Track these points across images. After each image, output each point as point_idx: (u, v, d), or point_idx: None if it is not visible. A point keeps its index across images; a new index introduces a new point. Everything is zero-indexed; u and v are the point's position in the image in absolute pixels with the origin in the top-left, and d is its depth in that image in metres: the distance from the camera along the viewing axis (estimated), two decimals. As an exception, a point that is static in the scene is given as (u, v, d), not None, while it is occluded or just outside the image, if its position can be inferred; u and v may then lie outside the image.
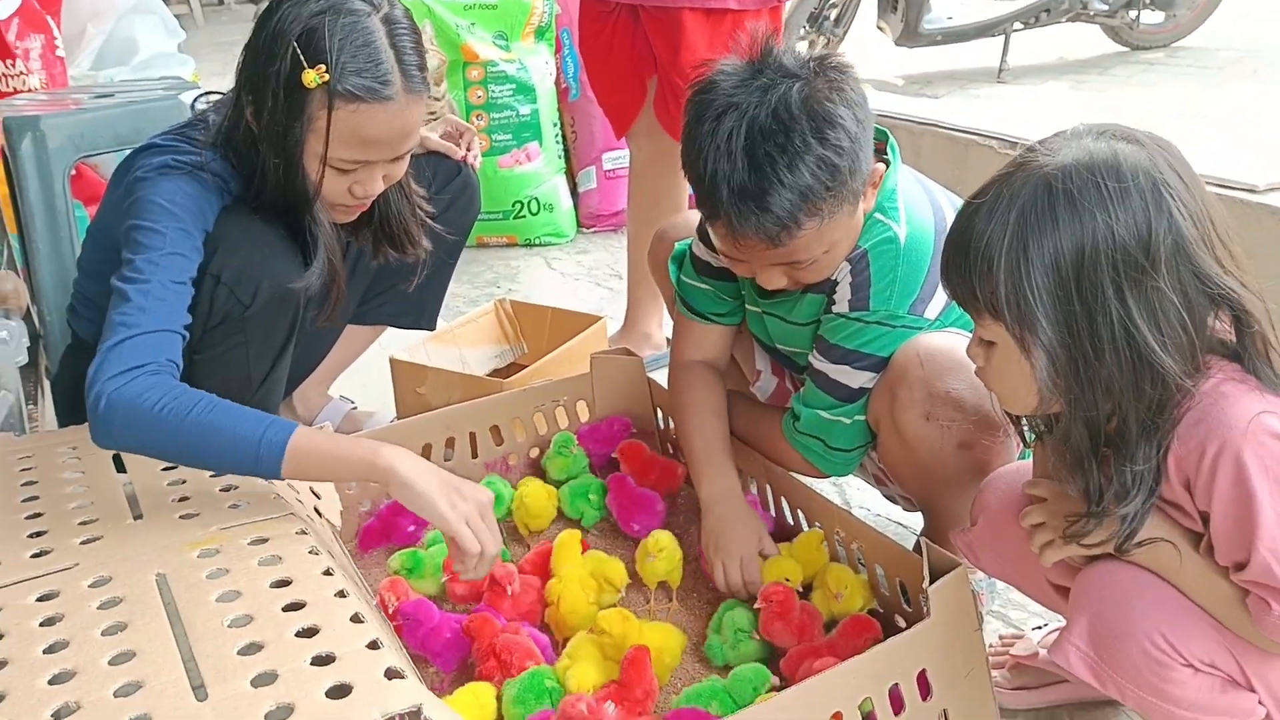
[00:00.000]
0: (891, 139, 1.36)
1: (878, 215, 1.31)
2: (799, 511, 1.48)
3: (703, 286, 1.52)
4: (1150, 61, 4.75)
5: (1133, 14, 4.70)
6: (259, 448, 1.15)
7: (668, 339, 2.19)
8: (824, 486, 1.71)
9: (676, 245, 1.58)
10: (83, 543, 1.11)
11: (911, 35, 4.61)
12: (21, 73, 2.95)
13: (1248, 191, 2.15)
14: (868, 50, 4.95)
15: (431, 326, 1.95)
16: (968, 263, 0.97)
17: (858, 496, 1.77)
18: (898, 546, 1.30)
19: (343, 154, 1.35)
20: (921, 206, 1.33)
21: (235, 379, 1.49)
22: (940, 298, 1.31)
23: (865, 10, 4.65)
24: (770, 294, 1.42)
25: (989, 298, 0.96)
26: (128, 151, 1.53)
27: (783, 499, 1.51)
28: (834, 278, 1.34)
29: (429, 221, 1.67)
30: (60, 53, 3.03)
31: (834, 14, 4.56)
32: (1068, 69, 4.82)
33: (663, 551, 1.44)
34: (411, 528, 1.56)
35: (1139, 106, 3.91)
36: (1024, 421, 1.12)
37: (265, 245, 1.44)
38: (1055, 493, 1.07)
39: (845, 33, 4.63)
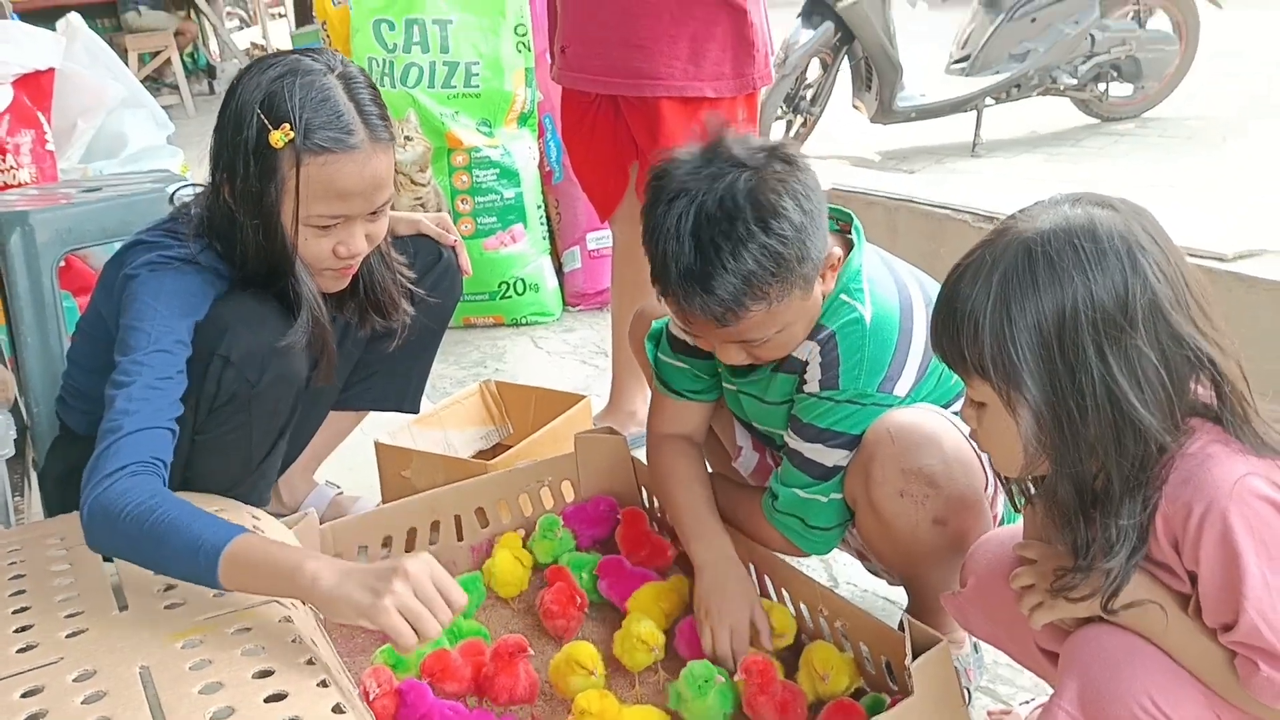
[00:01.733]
0: (856, 220, 1.40)
1: (843, 296, 1.34)
2: (783, 590, 1.49)
3: (679, 364, 1.55)
4: (1121, 133, 4.86)
5: (1101, 87, 4.83)
6: (197, 558, 1.14)
7: None
8: (811, 561, 1.72)
9: (654, 324, 1.61)
10: (68, 636, 1.12)
11: (886, 113, 4.71)
12: (12, 167, 3.01)
13: (1217, 260, 2.19)
14: (844, 128, 5.06)
15: (415, 409, 1.97)
16: (955, 324, 1.01)
17: (844, 572, 1.78)
18: (881, 624, 1.30)
19: (320, 209, 1.39)
20: (886, 286, 1.36)
21: (237, 458, 1.51)
22: (910, 375, 1.33)
23: (840, 90, 4.77)
24: (743, 373, 1.45)
25: (976, 359, 1.00)
26: (117, 245, 1.56)
27: (766, 577, 1.52)
28: (803, 358, 1.37)
29: (413, 293, 1.70)
30: (50, 147, 3.09)
31: (809, 94, 4.67)
32: (1041, 142, 4.93)
33: (643, 643, 1.44)
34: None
35: (1111, 177, 4.00)
36: (1014, 484, 1.14)
37: (270, 325, 1.46)
38: (1045, 554, 1.08)
39: (821, 112, 4.73)
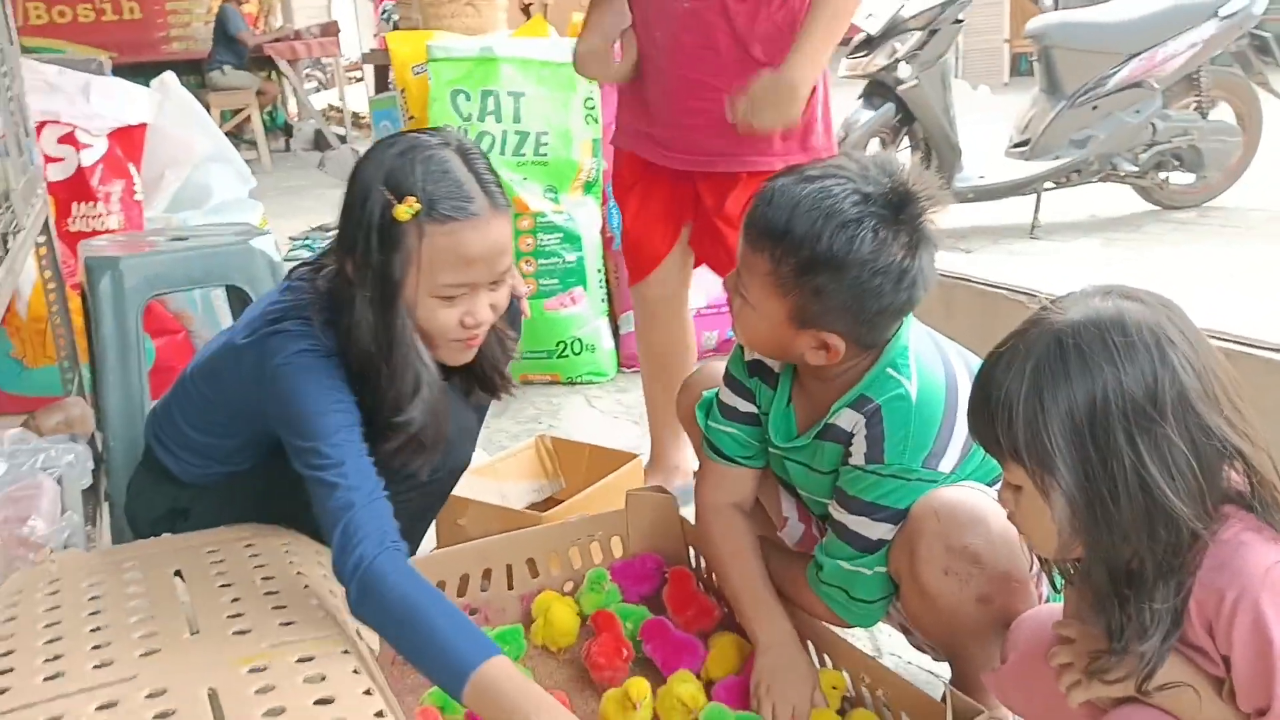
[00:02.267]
0: None
1: (889, 370, 1.37)
2: (825, 656, 1.51)
3: (729, 431, 1.58)
4: (1181, 221, 4.85)
5: (1162, 175, 4.83)
6: (449, 669, 1.23)
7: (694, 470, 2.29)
8: (856, 631, 1.73)
9: (704, 394, 1.66)
10: (142, 655, 1.17)
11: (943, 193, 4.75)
12: (101, 214, 3.16)
13: (1275, 351, 2.20)
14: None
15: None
16: (990, 410, 1.05)
17: (889, 643, 1.79)
18: (922, 694, 1.32)
19: (447, 278, 1.42)
20: (933, 363, 1.39)
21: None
22: (954, 451, 1.36)
23: (900, 168, 4.82)
24: (790, 439, 1.50)
25: (1011, 444, 1.03)
26: (197, 291, 1.63)
27: (809, 643, 1.54)
28: (849, 429, 1.40)
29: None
30: (139, 196, 3.24)
31: (870, 171, 4.73)
32: (1099, 226, 4.93)
33: (683, 705, 1.47)
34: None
35: (1170, 265, 3.99)
36: (1054, 565, 1.16)
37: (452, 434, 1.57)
38: (1083, 634, 1.10)
39: (881, 189, 4.79)
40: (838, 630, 1.53)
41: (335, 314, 1.46)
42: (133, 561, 1.44)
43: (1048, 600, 1.41)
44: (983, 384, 1.07)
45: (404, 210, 1.37)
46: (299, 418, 1.39)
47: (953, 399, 1.37)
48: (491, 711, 1.21)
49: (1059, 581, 1.17)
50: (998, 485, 1.37)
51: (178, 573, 1.38)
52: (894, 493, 1.36)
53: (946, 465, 1.36)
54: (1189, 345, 1.01)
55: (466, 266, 1.43)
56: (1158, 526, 0.98)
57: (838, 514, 1.42)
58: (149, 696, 1.10)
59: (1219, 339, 2.25)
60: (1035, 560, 1.34)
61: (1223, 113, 4.86)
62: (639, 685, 1.46)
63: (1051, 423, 1.00)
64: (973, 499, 1.33)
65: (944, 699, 1.23)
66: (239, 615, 1.26)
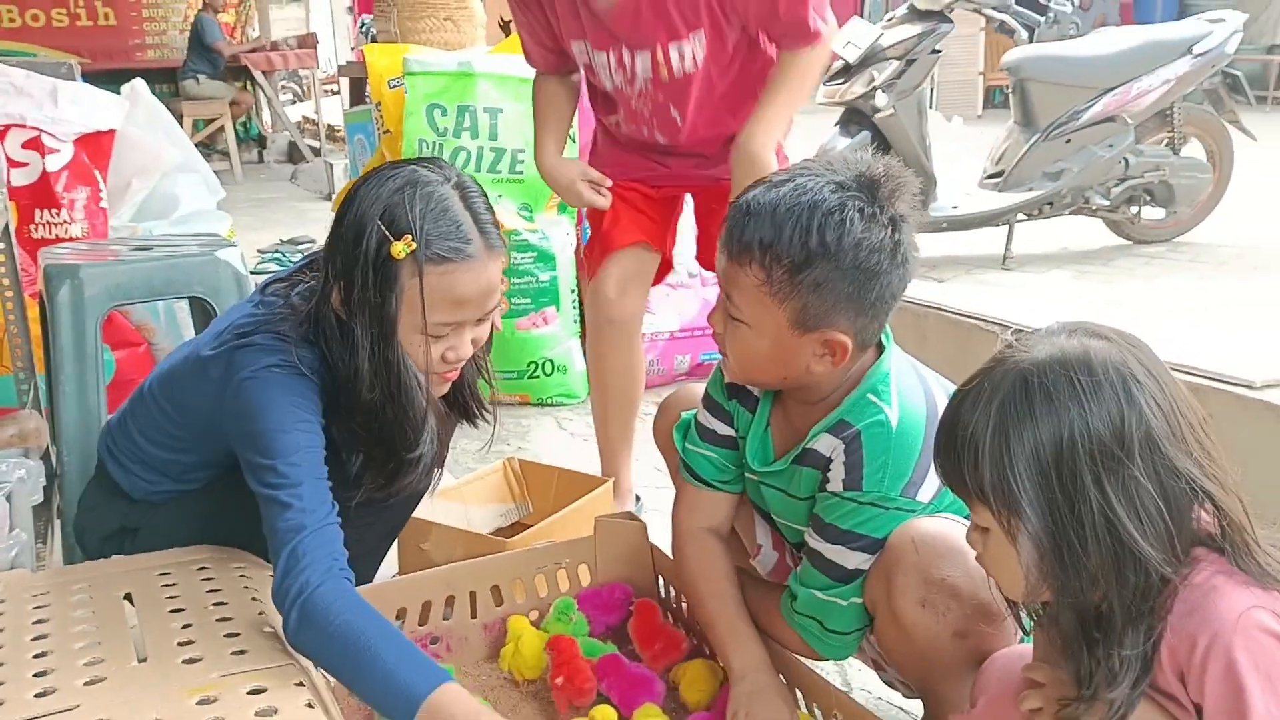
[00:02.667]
0: (887, 330, 1.41)
1: (870, 396, 1.36)
2: (797, 690, 1.48)
3: (707, 454, 1.56)
4: (1152, 255, 4.89)
5: (1134, 210, 4.88)
6: (399, 695, 1.19)
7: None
8: (826, 666, 1.70)
9: (682, 415, 1.63)
10: (85, 684, 1.13)
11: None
12: (65, 221, 3.10)
13: (1245, 387, 2.20)
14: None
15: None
16: (956, 451, 1.02)
17: (858, 678, 1.76)
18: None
19: (438, 318, 1.40)
20: (914, 391, 1.38)
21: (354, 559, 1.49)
22: (933, 481, 1.33)
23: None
24: (767, 464, 1.47)
25: (977, 485, 1.01)
26: (160, 303, 1.61)
27: (780, 676, 1.50)
28: (827, 454, 1.38)
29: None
30: (104, 204, 3.18)
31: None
32: (1071, 259, 4.96)
33: None
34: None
35: (1141, 299, 4.01)
36: (1022, 608, 1.14)
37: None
38: (1053, 677, 1.08)
39: (856, 216, 4.80)
40: (809, 663, 1.50)
41: (316, 333, 1.44)
42: (82, 583, 1.39)
43: (1022, 638, 1.40)
44: (949, 423, 1.05)
45: (400, 248, 1.35)
46: (259, 434, 1.35)
47: (933, 428, 1.33)
48: None
49: (1029, 624, 1.15)
50: None
51: (128, 596, 1.33)
52: (871, 521, 1.34)
53: (925, 495, 1.34)
54: (1156, 385, 0.99)
55: (458, 307, 1.42)
56: (1126, 570, 0.96)
57: (814, 542, 1.39)
58: (91, 728, 1.05)
59: (1191, 374, 2.25)
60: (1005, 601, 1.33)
61: (1194, 149, 4.92)
62: (605, 713, 1.42)
63: (1017, 464, 0.98)
64: (951, 530, 1.30)
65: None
66: (189, 643, 1.22)
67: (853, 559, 1.36)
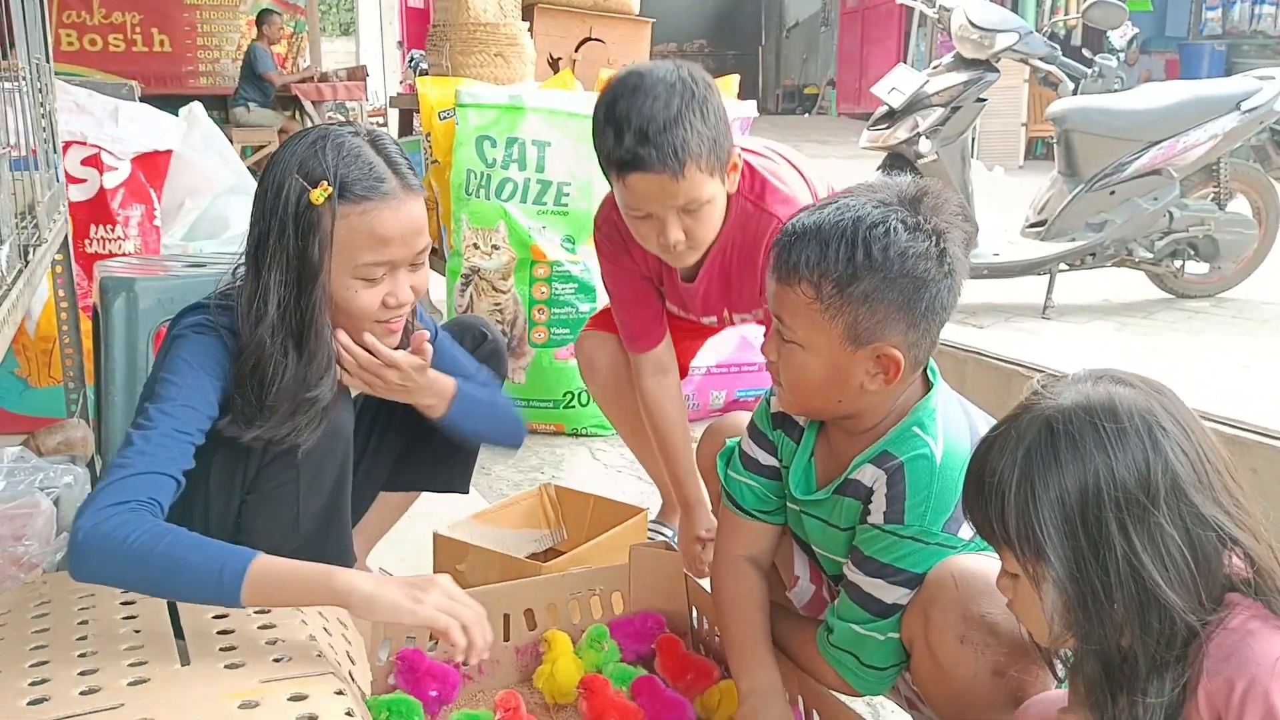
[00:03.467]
0: (932, 362, 1.42)
1: (915, 429, 1.36)
2: (829, 724, 1.47)
3: (749, 483, 1.56)
4: (1194, 310, 4.84)
5: (1177, 263, 4.84)
6: (221, 576, 1.22)
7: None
8: (858, 707, 1.68)
9: (727, 442, 1.63)
10: (130, 684, 1.14)
11: (959, 268, 4.76)
12: (120, 238, 3.17)
13: (1290, 441, 2.17)
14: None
15: (464, 489, 1.98)
16: (983, 496, 1.03)
17: (891, 719, 1.74)
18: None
19: (365, 258, 1.47)
20: (959, 427, 1.38)
21: (285, 517, 1.56)
22: None
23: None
24: (809, 494, 1.47)
25: (1003, 531, 1.02)
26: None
27: (815, 712, 1.49)
28: (869, 484, 1.37)
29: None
30: (158, 222, 3.26)
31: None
32: (1112, 311, 4.92)
33: None
34: (433, 692, 1.56)
35: (1184, 353, 3.98)
36: (1055, 654, 1.13)
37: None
38: None
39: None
40: (843, 698, 1.48)
41: (242, 296, 1.49)
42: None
43: (1057, 684, 1.38)
44: (976, 469, 1.05)
45: (318, 194, 1.42)
46: (158, 382, 1.42)
47: None
48: (286, 589, 1.25)
49: (1060, 670, 1.14)
50: None
51: (171, 605, 1.35)
52: (911, 555, 1.33)
53: (967, 532, 1.32)
54: (1182, 431, 0.99)
55: (383, 245, 1.48)
56: (1150, 618, 0.96)
57: (852, 575, 1.39)
58: (134, 727, 1.06)
59: (1236, 427, 2.23)
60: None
61: (1240, 205, 4.88)
62: None
63: (1042, 511, 0.98)
64: (992, 568, 1.27)
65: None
66: (232, 649, 1.23)
67: (891, 593, 1.35)
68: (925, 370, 1.42)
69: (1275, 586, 0.97)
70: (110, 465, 1.33)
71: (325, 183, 1.43)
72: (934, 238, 1.29)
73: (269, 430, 1.49)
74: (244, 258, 1.53)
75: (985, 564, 1.30)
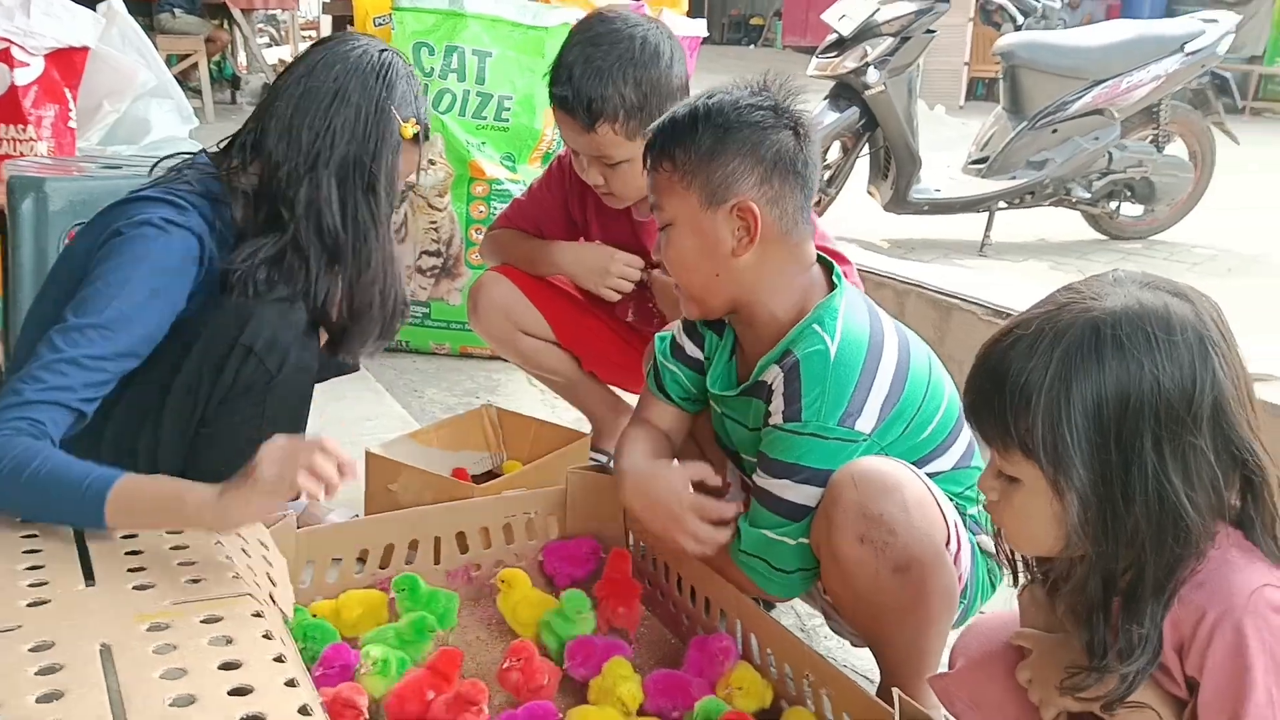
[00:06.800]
0: (836, 267, 1.45)
1: (815, 326, 1.37)
2: (768, 650, 1.45)
3: (675, 370, 1.57)
4: (1127, 251, 4.91)
5: (1113, 205, 4.89)
6: (84, 498, 1.17)
7: None
8: (788, 622, 1.68)
9: (659, 334, 1.63)
10: (29, 605, 1.06)
11: (899, 203, 4.76)
12: (31, 139, 3.00)
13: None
14: (856, 213, 5.10)
15: (354, 365, 1.87)
16: (1003, 397, 0.96)
17: (823, 645, 1.73)
18: (869, 696, 1.26)
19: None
20: (860, 324, 1.38)
21: (246, 451, 1.46)
22: (872, 412, 1.34)
23: (857, 175, 4.82)
24: (727, 395, 1.48)
25: (1023, 435, 0.95)
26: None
27: (752, 635, 1.47)
28: (769, 382, 1.38)
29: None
30: (73, 124, 3.08)
31: (827, 175, 4.71)
32: (1047, 250, 4.97)
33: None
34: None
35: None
36: (1020, 562, 1.10)
37: (295, 319, 1.50)
38: (1043, 646, 1.05)
39: (837, 194, 4.77)
40: (784, 623, 1.47)
41: (264, 202, 1.50)
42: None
43: (976, 584, 1.40)
44: (994, 368, 0.98)
45: (409, 129, 1.57)
46: (93, 286, 1.32)
47: (874, 357, 1.36)
48: (143, 514, 1.20)
49: (1023, 579, 1.11)
50: (925, 469, 1.38)
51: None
52: (812, 452, 1.34)
53: (865, 425, 1.33)
54: (1228, 349, 0.94)
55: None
56: (1167, 538, 0.91)
57: (760, 480, 1.40)
58: (33, 650, 0.99)
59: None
60: (955, 536, 1.33)
61: (1178, 149, 4.93)
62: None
63: (1075, 417, 0.92)
64: (891, 468, 1.31)
65: (894, 704, 1.17)
66: (140, 570, 1.16)
67: (798, 493, 1.35)
68: (832, 275, 1.43)
69: (1268, 517, 0.94)
70: (8, 382, 1.25)
71: (414, 120, 1.57)
72: (766, 96, 1.38)
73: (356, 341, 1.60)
74: (268, 153, 1.52)
75: (885, 465, 1.31)
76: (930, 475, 1.38)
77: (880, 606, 1.33)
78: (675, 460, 1.55)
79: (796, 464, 1.34)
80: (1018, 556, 1.10)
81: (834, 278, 1.43)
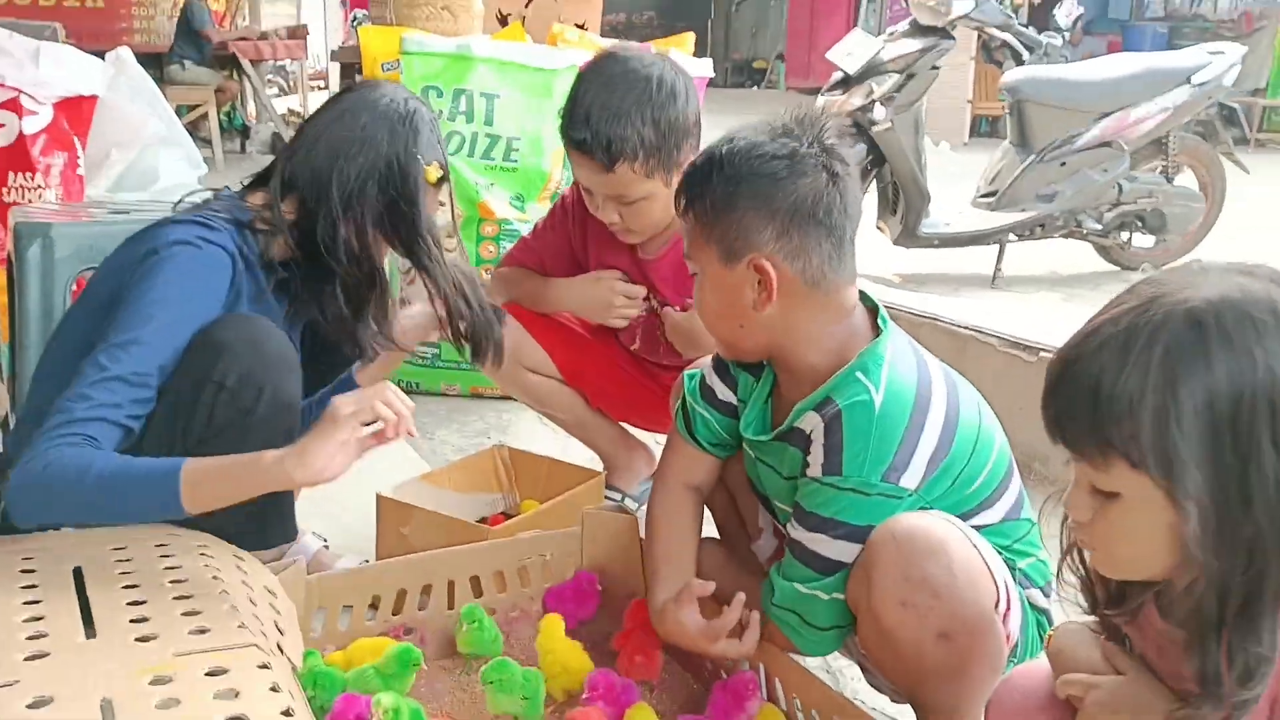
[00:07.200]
0: (881, 309, 1.37)
1: (858, 374, 1.30)
2: (795, 697, 1.40)
3: (705, 414, 1.52)
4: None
5: (1124, 236, 4.87)
6: (156, 483, 1.19)
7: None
8: (813, 663, 1.62)
9: (688, 371, 1.58)
10: (27, 658, 1.02)
11: (909, 237, 4.74)
12: (40, 186, 2.99)
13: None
14: (866, 247, 5.08)
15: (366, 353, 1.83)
16: (1098, 406, 0.88)
17: (850, 686, 1.68)
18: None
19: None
20: (907, 373, 1.31)
21: None
22: (919, 466, 1.26)
23: (867, 210, 4.80)
24: (762, 440, 1.42)
25: (1126, 444, 0.87)
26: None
27: (777, 680, 1.42)
28: (807, 431, 1.32)
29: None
30: (81, 171, 3.08)
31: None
32: (1060, 282, 4.94)
33: None
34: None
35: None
36: (1100, 591, 1.02)
37: (270, 351, 1.44)
38: (1102, 689, 0.99)
39: (847, 229, 4.76)
40: (807, 665, 1.42)
41: (304, 239, 1.55)
42: (30, 555, 1.28)
43: (1024, 645, 1.32)
44: (1081, 374, 0.89)
45: (433, 173, 1.62)
46: (131, 306, 1.35)
47: (921, 409, 1.28)
48: (223, 483, 1.23)
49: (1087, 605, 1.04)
50: (972, 521, 1.30)
51: (77, 570, 1.22)
52: (852, 508, 1.27)
53: (910, 481, 1.26)
54: None
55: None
56: None
57: (795, 531, 1.33)
58: (31, 706, 0.95)
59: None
60: (1004, 597, 1.24)
61: (1187, 179, 4.92)
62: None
63: (1185, 420, 0.84)
64: (935, 526, 1.23)
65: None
66: (143, 620, 1.11)
67: (833, 548, 1.28)
68: (877, 318, 1.36)
69: None
70: (59, 402, 1.26)
71: (437, 164, 1.62)
72: (783, 138, 1.31)
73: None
74: (300, 195, 1.58)
75: (928, 522, 1.24)
76: (977, 529, 1.30)
77: (921, 670, 1.25)
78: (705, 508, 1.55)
79: (834, 519, 1.28)
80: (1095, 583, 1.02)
81: (879, 321, 1.36)
